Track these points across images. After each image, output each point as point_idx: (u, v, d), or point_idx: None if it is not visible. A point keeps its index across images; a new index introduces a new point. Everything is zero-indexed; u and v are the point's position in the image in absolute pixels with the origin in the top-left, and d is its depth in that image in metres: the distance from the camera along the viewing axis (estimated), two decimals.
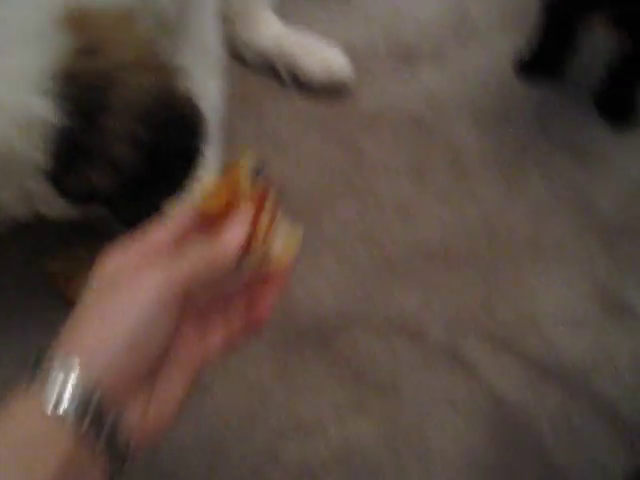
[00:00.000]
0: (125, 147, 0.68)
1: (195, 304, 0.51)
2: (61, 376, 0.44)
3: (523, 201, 1.01)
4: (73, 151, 0.67)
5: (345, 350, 0.86)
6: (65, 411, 0.43)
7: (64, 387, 0.44)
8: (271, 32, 1.14)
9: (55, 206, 0.73)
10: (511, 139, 1.06)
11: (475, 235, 0.97)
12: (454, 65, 1.15)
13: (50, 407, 0.43)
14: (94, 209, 0.76)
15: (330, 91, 1.10)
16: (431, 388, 0.83)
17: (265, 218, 0.51)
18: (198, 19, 0.86)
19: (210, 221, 0.51)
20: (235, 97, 1.07)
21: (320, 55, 1.11)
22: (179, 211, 0.53)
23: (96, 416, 0.44)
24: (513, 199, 1.01)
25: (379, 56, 1.17)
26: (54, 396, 0.44)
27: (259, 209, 0.51)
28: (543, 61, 1.12)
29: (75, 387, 0.44)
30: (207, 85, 0.91)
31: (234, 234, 0.49)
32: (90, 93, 0.66)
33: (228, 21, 1.10)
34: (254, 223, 0.50)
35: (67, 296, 0.86)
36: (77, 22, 0.68)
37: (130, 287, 0.47)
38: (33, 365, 0.46)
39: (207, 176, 0.84)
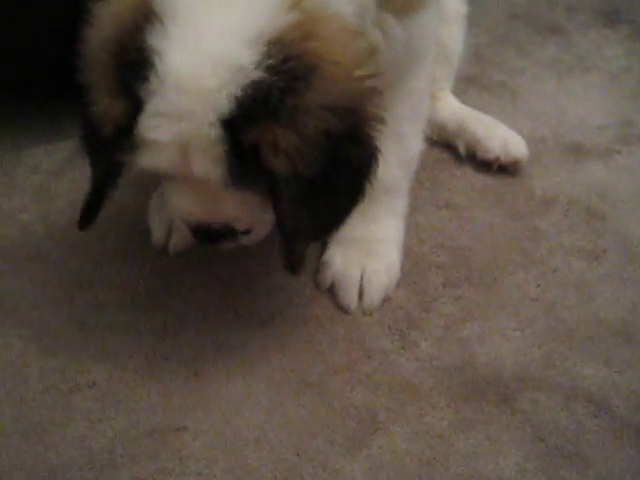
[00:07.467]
0: (314, 123, 0.71)
1: None
2: None
3: None
4: (262, 104, 0.70)
5: (526, 410, 0.85)
6: None
7: None
8: (450, 107, 1.21)
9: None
10: None
11: None
12: (621, 163, 1.19)
13: None
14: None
15: (503, 169, 1.15)
16: (621, 462, 0.81)
17: None
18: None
19: None
20: None
21: (498, 132, 1.17)
22: None
23: None
24: None
25: (547, 147, 1.22)
26: None
27: None
28: None
29: None
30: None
31: None
32: (297, 62, 0.71)
33: None
34: None
35: None
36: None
37: None
38: None
39: None
